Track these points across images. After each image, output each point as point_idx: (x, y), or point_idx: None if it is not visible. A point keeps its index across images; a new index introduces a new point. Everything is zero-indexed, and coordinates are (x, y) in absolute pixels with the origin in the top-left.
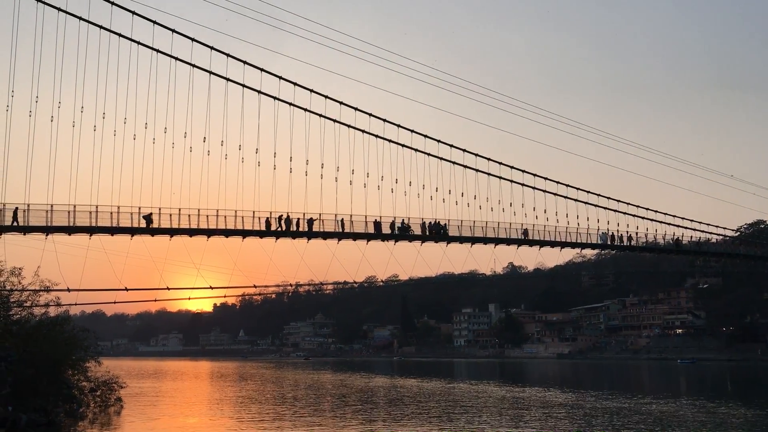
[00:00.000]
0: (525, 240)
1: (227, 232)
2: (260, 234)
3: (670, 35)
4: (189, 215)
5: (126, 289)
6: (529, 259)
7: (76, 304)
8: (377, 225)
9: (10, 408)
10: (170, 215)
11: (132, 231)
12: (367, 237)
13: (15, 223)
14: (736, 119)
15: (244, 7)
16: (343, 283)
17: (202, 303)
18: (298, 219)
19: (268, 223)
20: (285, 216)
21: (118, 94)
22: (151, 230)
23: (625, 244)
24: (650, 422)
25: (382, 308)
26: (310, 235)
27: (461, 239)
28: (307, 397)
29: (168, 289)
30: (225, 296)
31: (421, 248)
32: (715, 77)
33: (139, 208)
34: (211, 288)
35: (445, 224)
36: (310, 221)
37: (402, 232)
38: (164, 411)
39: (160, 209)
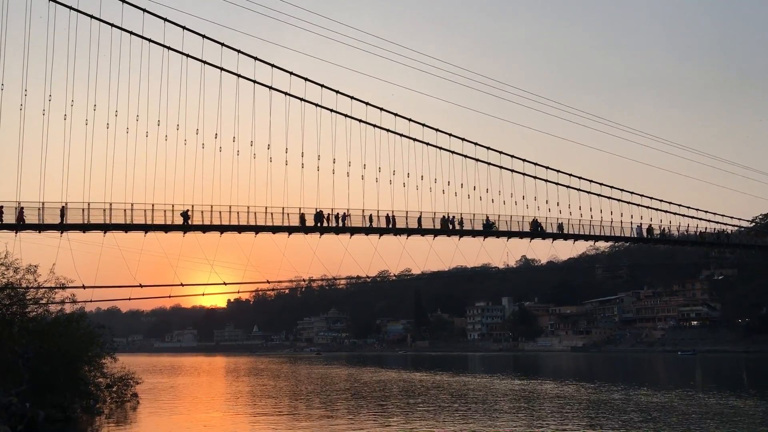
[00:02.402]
0: (560, 234)
1: (250, 228)
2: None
3: (684, 27)
4: (202, 212)
5: (141, 286)
6: (542, 251)
7: (91, 301)
8: (389, 219)
9: (27, 405)
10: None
11: (146, 228)
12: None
13: (62, 222)
14: (749, 110)
15: (258, 4)
16: (356, 278)
17: (216, 299)
18: (328, 214)
19: (302, 218)
20: (318, 211)
21: (131, 92)
22: (164, 227)
23: (658, 237)
24: (665, 414)
25: (395, 303)
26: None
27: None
28: (319, 392)
29: (182, 285)
30: (239, 292)
31: (434, 242)
32: (728, 68)
33: (153, 205)
34: (224, 284)
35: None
36: (344, 216)
37: (486, 229)
38: (180, 406)
39: (173, 206)
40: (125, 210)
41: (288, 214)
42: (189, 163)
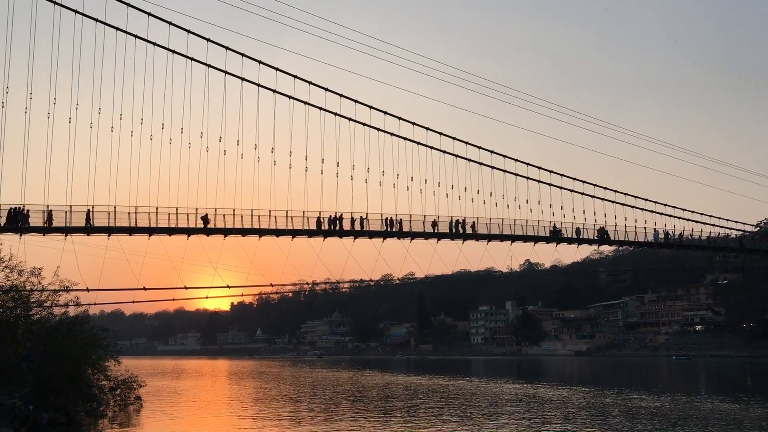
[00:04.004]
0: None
1: (253, 231)
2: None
3: (687, 29)
4: (206, 215)
5: (144, 289)
6: (546, 255)
7: (95, 304)
8: (391, 222)
9: (31, 407)
10: (187, 215)
11: (150, 231)
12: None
13: (89, 224)
14: (752, 113)
15: (260, 7)
16: (360, 282)
17: (219, 302)
18: (342, 218)
19: (319, 222)
20: (334, 216)
21: (135, 95)
22: (168, 230)
23: (676, 242)
24: (668, 419)
25: (398, 306)
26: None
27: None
28: (319, 395)
29: (186, 288)
30: (242, 295)
31: (438, 246)
32: (732, 71)
33: (157, 208)
34: (228, 287)
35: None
36: (361, 220)
37: (554, 235)
38: (183, 409)
39: (177, 209)
40: (129, 213)
41: (292, 218)
42: (193, 166)
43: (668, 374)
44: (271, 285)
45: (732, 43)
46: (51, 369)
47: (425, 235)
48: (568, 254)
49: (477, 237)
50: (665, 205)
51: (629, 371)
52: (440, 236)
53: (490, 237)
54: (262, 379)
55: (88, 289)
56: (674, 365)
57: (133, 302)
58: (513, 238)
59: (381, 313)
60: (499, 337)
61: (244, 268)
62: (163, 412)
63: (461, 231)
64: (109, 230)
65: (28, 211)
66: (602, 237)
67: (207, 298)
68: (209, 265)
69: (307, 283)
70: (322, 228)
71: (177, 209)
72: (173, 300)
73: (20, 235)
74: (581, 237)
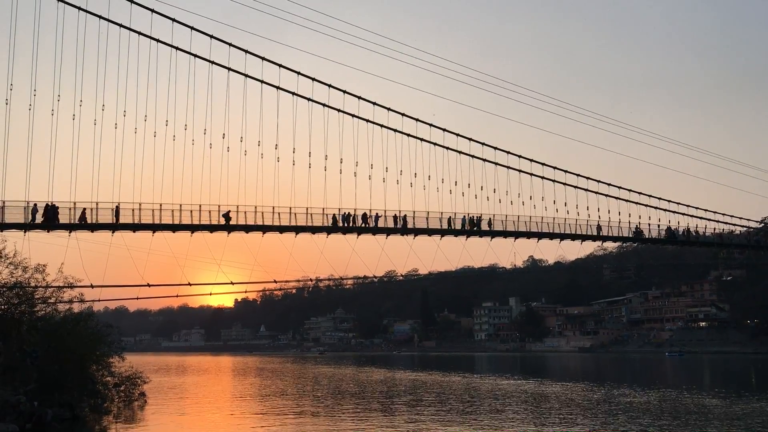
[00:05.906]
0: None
1: (257, 228)
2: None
3: (692, 25)
4: (210, 211)
5: (148, 285)
6: (550, 252)
7: (99, 300)
8: (396, 219)
9: (36, 403)
10: (191, 212)
11: (154, 227)
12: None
13: (116, 221)
14: (757, 109)
15: (262, 3)
16: (363, 278)
17: (223, 298)
18: (354, 215)
19: (334, 219)
20: (346, 213)
21: (139, 92)
22: (172, 227)
23: (685, 238)
24: (675, 416)
25: (402, 303)
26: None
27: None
28: (324, 390)
29: (190, 284)
30: (246, 291)
31: (441, 242)
32: (737, 67)
33: (161, 205)
34: (232, 283)
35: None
36: (376, 217)
37: (637, 236)
38: (187, 405)
39: (181, 206)
40: (133, 210)
41: (295, 214)
42: (196, 163)
43: (672, 371)
44: (275, 281)
45: (737, 39)
46: (55, 365)
47: (429, 232)
48: (572, 251)
49: (481, 233)
50: (670, 201)
51: (632, 368)
52: (444, 233)
53: (494, 233)
54: (265, 375)
55: (92, 286)
56: (671, 362)
57: (137, 299)
58: (516, 234)
59: (384, 309)
60: (503, 334)
61: (248, 264)
62: (167, 408)
63: (476, 228)
64: (114, 227)
65: (57, 208)
66: (671, 236)
67: (211, 294)
68: (213, 262)
69: (311, 280)
70: (338, 225)
71: (181, 206)
72: (177, 296)
73: (24, 232)
74: (644, 236)
